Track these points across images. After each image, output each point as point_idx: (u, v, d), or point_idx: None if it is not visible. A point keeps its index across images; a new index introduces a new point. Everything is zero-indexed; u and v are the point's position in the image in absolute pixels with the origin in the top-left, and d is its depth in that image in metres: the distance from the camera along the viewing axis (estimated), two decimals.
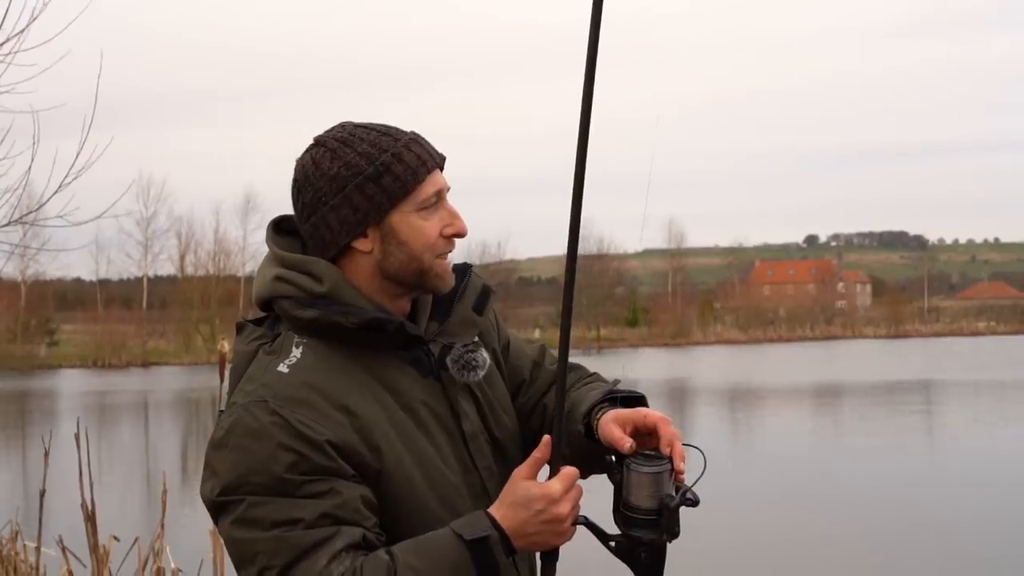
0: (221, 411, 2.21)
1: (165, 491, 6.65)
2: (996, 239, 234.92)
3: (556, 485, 2.08)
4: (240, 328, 2.26)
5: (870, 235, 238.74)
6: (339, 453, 2.06)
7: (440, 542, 2.03)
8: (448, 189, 2.23)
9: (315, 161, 2.18)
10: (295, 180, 2.21)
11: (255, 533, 2.02)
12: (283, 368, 2.12)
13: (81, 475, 6.01)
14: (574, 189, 2.09)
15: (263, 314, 2.27)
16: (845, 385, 35.99)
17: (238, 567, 2.08)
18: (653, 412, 2.22)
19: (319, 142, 2.21)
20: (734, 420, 27.38)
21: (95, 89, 6.81)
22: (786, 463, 18.14)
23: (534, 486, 2.08)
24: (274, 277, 2.19)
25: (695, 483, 2.19)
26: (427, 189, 2.18)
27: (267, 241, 2.27)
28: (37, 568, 6.59)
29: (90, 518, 6.08)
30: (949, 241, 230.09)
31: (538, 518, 2.06)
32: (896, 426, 24.23)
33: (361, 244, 2.18)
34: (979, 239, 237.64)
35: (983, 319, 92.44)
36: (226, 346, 6.05)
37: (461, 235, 2.22)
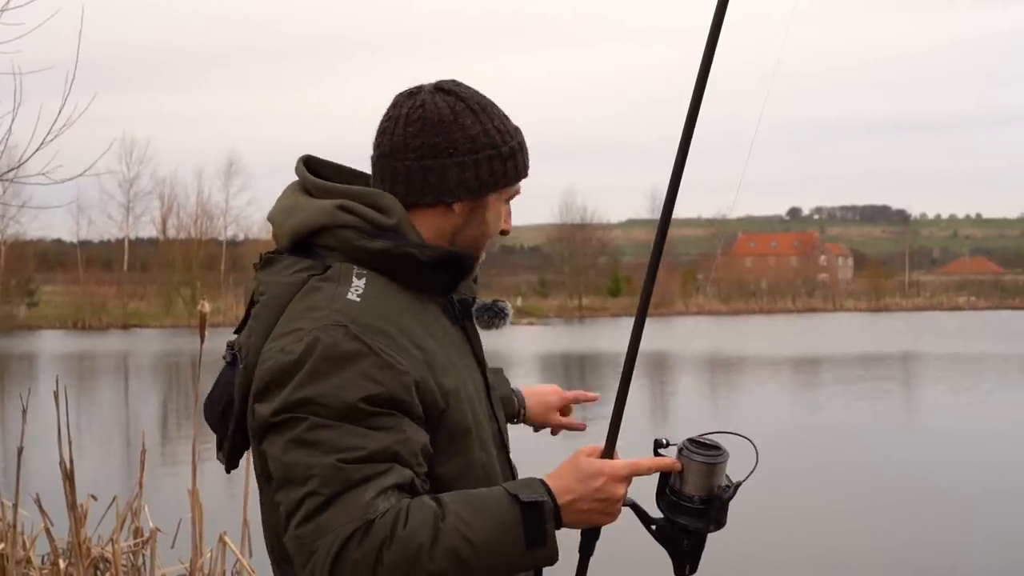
0: (232, 357, 2.13)
1: (144, 451, 6.63)
2: (978, 215, 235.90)
3: (622, 465, 2.10)
4: (270, 261, 2.17)
5: (853, 208, 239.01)
6: (416, 389, 2.03)
7: (493, 500, 2.01)
8: None
9: (455, 111, 2.16)
10: (426, 116, 2.15)
11: (312, 456, 1.96)
12: (353, 296, 2.06)
13: (60, 433, 5.98)
14: (679, 152, 2.15)
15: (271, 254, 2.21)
16: (826, 357, 36.13)
17: (279, 486, 2.02)
18: (549, 388, 2.46)
19: (456, 94, 2.18)
20: (714, 391, 27.48)
21: (83, 48, 6.74)
22: (766, 435, 18.20)
23: (598, 462, 2.09)
24: (337, 206, 2.12)
25: (748, 476, 2.19)
26: (520, 185, 2.24)
27: (301, 175, 2.22)
28: (14, 526, 6.57)
29: (68, 477, 6.05)
30: (931, 216, 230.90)
31: (595, 495, 2.06)
32: (875, 399, 24.37)
33: (458, 207, 2.17)
34: (961, 214, 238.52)
35: (963, 294, 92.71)
36: (207, 307, 6.01)
37: (506, 234, 2.28)
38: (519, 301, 73.22)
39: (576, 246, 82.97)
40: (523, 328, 56.27)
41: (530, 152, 2.25)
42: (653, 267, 2.19)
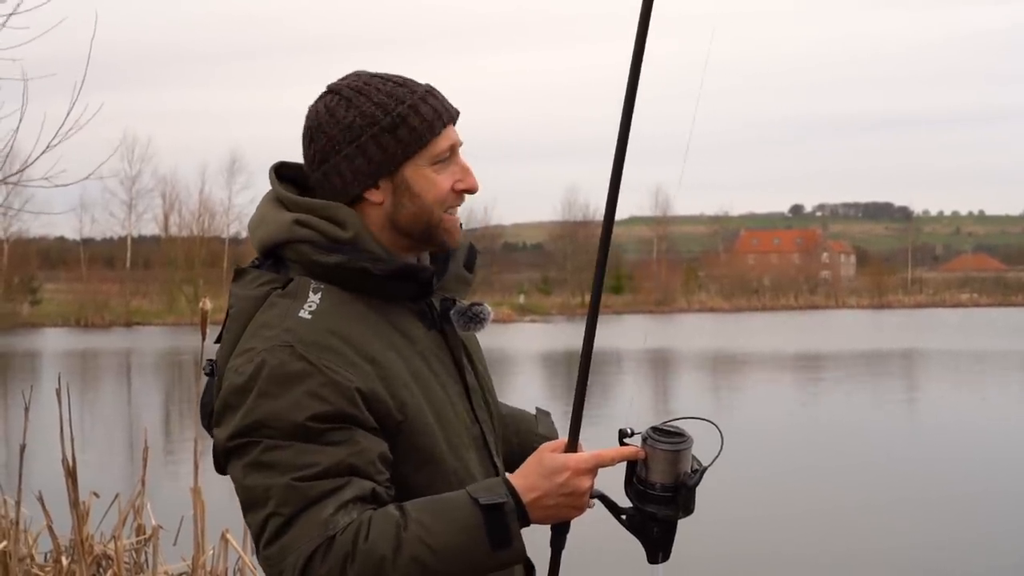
0: (210, 370, 2.16)
1: (146, 448, 6.63)
2: (980, 211, 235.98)
3: (585, 457, 2.09)
4: (240, 274, 2.20)
5: (855, 206, 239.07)
6: (365, 402, 2.04)
7: (454, 504, 2.00)
8: (460, 144, 2.22)
9: (329, 109, 2.16)
10: (307, 127, 2.19)
11: (269, 478, 1.99)
12: (304, 314, 2.07)
13: (62, 431, 5.99)
14: (616, 151, 2.10)
15: (253, 263, 2.22)
16: (828, 354, 36.11)
17: (245, 510, 2.05)
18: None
19: (333, 90, 2.19)
20: (716, 388, 27.47)
21: (86, 49, 6.68)
22: (768, 432, 18.21)
23: (561, 456, 2.08)
24: (293, 221, 2.14)
25: (713, 461, 2.19)
26: (442, 143, 2.17)
27: (273, 185, 2.23)
28: (16, 523, 6.58)
29: (70, 474, 6.06)
30: (934, 213, 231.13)
31: (560, 490, 2.05)
32: (877, 396, 24.35)
33: (373, 195, 2.16)
34: (963, 211, 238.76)
35: (966, 291, 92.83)
36: (208, 304, 6.00)
37: (472, 191, 2.21)
38: (521, 299, 73.24)
39: (578, 243, 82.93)
40: (526, 325, 56.30)
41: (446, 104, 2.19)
42: (601, 265, 2.20)
